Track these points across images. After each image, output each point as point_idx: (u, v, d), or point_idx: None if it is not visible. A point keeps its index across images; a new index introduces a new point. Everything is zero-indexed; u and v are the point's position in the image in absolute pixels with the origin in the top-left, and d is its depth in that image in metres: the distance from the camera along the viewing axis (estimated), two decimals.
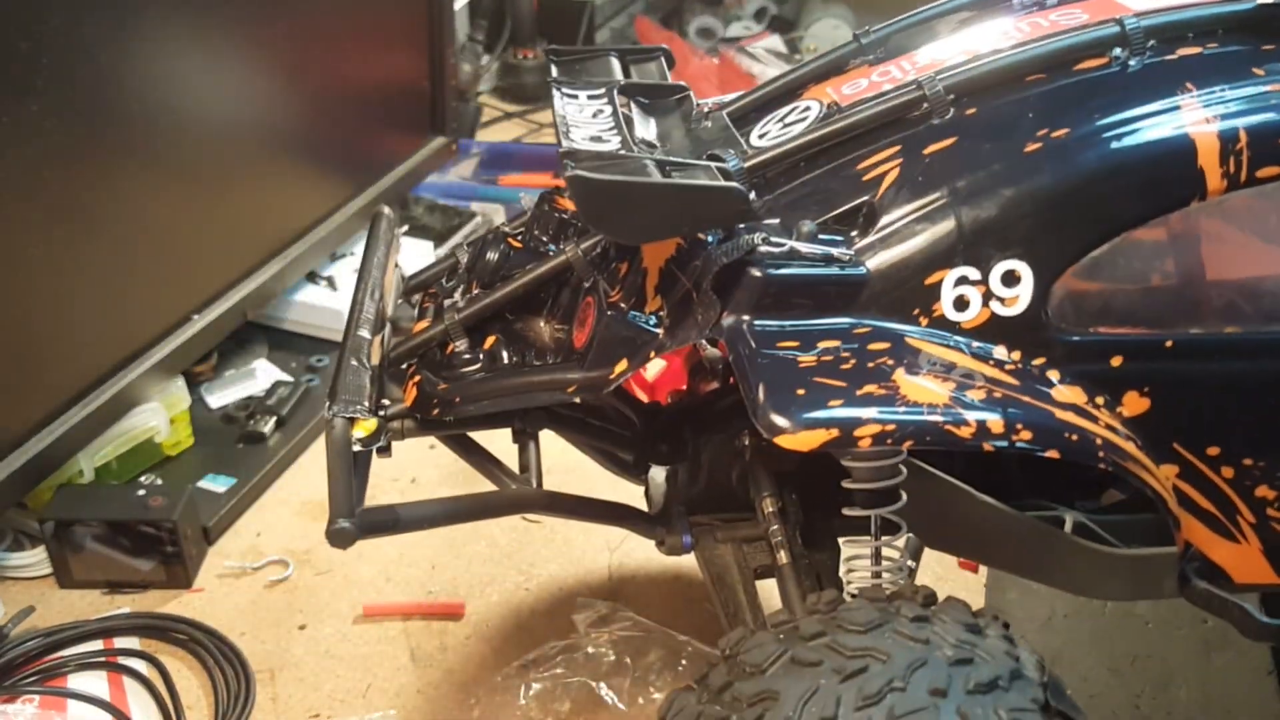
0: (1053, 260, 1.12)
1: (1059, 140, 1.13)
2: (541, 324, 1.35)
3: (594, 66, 1.47)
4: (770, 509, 1.34)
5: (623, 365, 1.19)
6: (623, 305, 1.22)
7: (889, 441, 1.03)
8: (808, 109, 1.30)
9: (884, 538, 1.21)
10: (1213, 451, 1.18)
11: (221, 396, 2.39)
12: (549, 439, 1.52)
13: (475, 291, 1.40)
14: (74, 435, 1.93)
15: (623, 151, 1.18)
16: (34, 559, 2.01)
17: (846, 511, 1.20)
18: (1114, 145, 1.12)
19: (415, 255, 2.80)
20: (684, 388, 1.51)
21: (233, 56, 2.21)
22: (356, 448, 1.24)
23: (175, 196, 2.10)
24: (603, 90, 1.37)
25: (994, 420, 1.04)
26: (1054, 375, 1.12)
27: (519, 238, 1.44)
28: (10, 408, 1.85)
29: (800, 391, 1.03)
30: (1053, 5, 1.33)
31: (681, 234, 1.17)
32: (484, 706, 1.76)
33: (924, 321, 1.12)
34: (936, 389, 1.06)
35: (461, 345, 1.34)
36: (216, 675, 1.81)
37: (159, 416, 2.16)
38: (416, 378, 1.34)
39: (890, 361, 1.07)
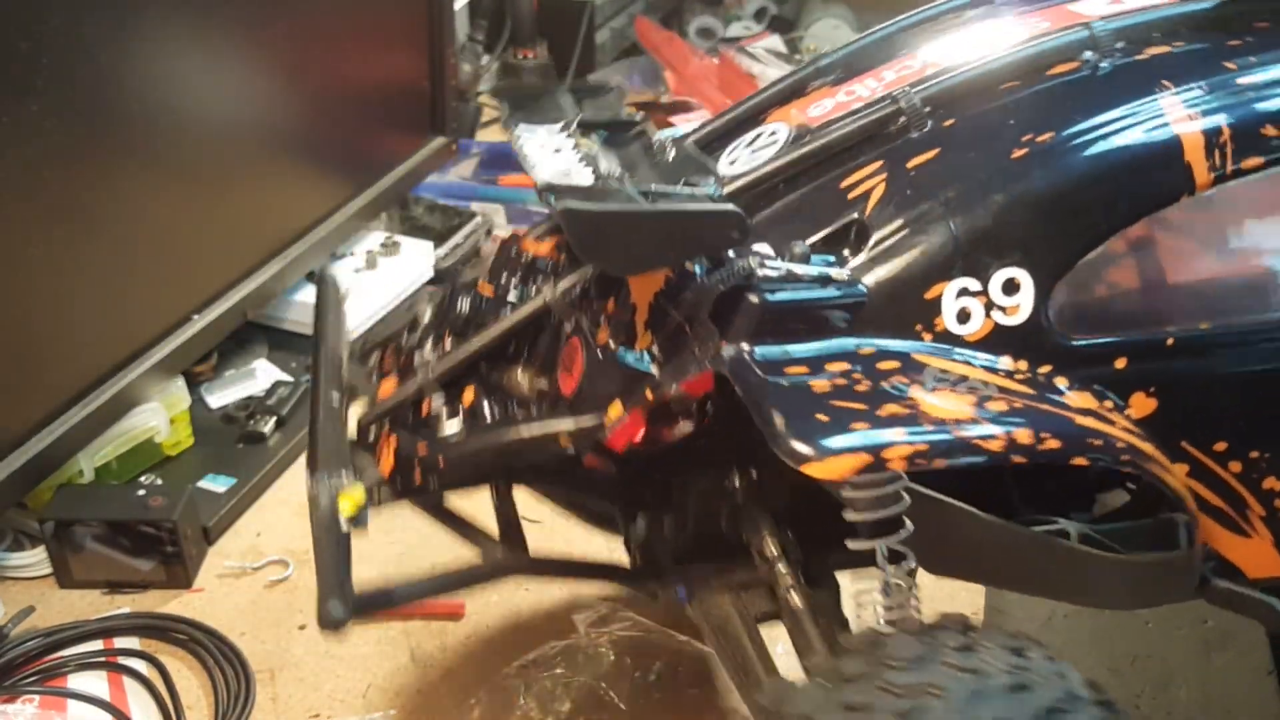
0: (1050, 265, 1.11)
1: (1045, 144, 1.12)
2: (520, 374, 1.28)
3: (547, 104, 1.43)
4: (774, 550, 1.28)
5: (618, 409, 1.15)
6: (612, 344, 1.18)
7: (922, 461, 0.99)
8: (775, 133, 1.29)
9: (891, 568, 1.16)
10: (1219, 447, 1.17)
11: (221, 396, 2.39)
12: None
13: (448, 344, 1.33)
14: (74, 435, 1.93)
15: (600, 183, 1.15)
16: (34, 559, 2.01)
17: (851, 544, 1.16)
18: (1101, 146, 1.12)
19: (415, 255, 2.80)
20: (637, 439, 1.36)
21: (233, 57, 2.21)
22: (344, 523, 1.16)
23: (175, 196, 2.10)
24: (560, 126, 1.33)
25: (1022, 431, 1.02)
26: (1062, 382, 1.11)
27: (489, 285, 1.36)
28: (10, 408, 1.85)
29: (821, 417, 0.99)
30: (995, 19, 1.34)
31: (680, 261, 1.14)
32: (484, 706, 1.76)
33: (927, 337, 1.10)
34: (957, 404, 1.03)
35: (438, 403, 1.26)
36: (216, 675, 1.81)
37: (159, 416, 2.15)
38: (392, 442, 1.27)
39: (904, 380, 1.05)
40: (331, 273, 1.56)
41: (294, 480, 2.26)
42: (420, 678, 1.84)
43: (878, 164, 1.16)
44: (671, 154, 1.33)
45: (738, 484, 1.33)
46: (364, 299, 2.63)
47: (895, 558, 1.16)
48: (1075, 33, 1.19)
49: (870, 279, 1.10)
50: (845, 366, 1.05)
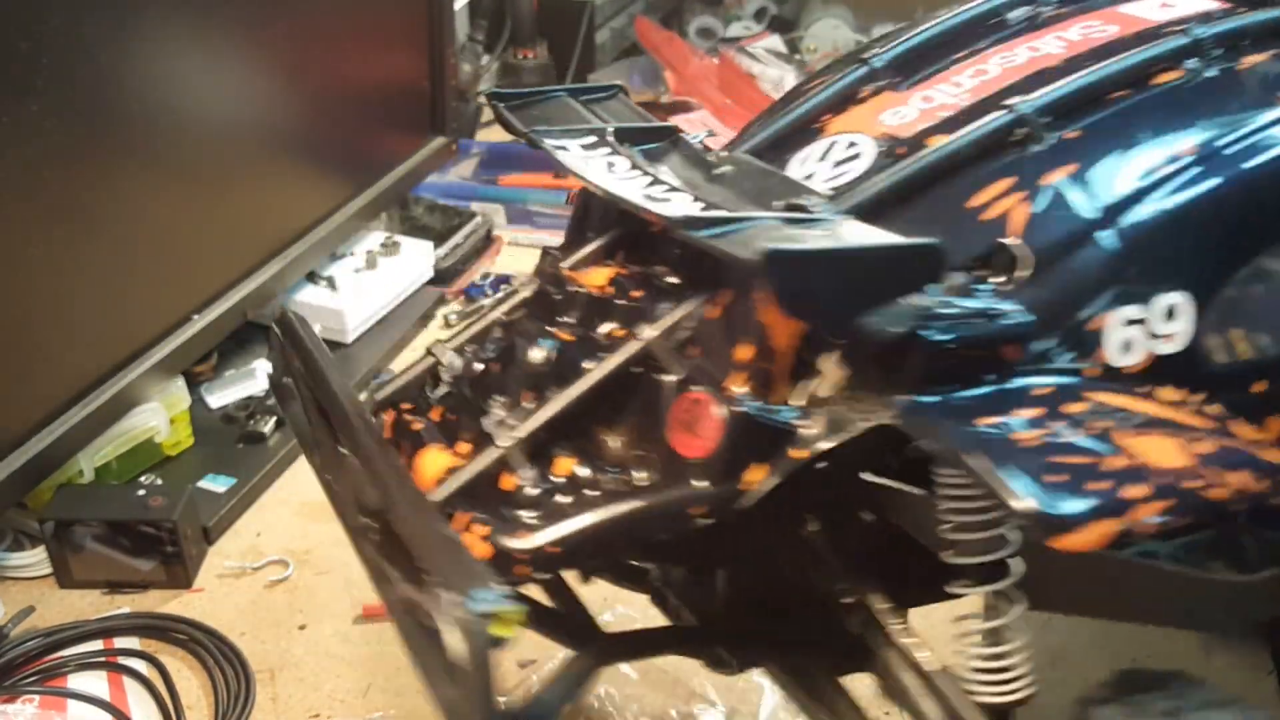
0: (1204, 288, 1.03)
1: (1190, 158, 1.05)
2: (605, 434, 1.07)
3: (552, 109, 1.27)
4: (882, 605, 1.11)
5: (760, 473, 1.00)
6: (746, 396, 1.00)
7: (1171, 522, 0.87)
8: (855, 144, 1.17)
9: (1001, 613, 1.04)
10: None
11: (221, 396, 2.39)
12: None
13: (527, 402, 1.09)
14: (74, 435, 1.93)
15: (726, 212, 1.00)
16: (34, 559, 2.01)
17: (955, 589, 1.03)
18: (1243, 158, 1.06)
19: (415, 255, 2.80)
20: None
21: (233, 57, 2.21)
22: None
23: (175, 196, 2.10)
24: (594, 138, 1.18)
25: (1242, 477, 0.91)
26: (1218, 410, 1.02)
27: (566, 330, 1.14)
28: (10, 408, 1.85)
29: (1052, 477, 0.86)
30: (1050, 21, 1.28)
31: (873, 307, 0.95)
32: None
33: (1092, 372, 1.00)
34: (1172, 450, 0.92)
35: (528, 475, 1.03)
36: (216, 675, 1.81)
37: (159, 416, 2.16)
38: (477, 529, 1.00)
39: (1103, 425, 0.93)
40: (291, 310, 1.29)
41: (294, 480, 2.26)
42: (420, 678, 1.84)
43: (1010, 180, 1.06)
44: (728, 168, 1.17)
45: (813, 529, 1.17)
46: (364, 299, 2.63)
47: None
48: (1174, 39, 1.13)
49: (1030, 310, 0.99)
50: (1035, 413, 0.93)
